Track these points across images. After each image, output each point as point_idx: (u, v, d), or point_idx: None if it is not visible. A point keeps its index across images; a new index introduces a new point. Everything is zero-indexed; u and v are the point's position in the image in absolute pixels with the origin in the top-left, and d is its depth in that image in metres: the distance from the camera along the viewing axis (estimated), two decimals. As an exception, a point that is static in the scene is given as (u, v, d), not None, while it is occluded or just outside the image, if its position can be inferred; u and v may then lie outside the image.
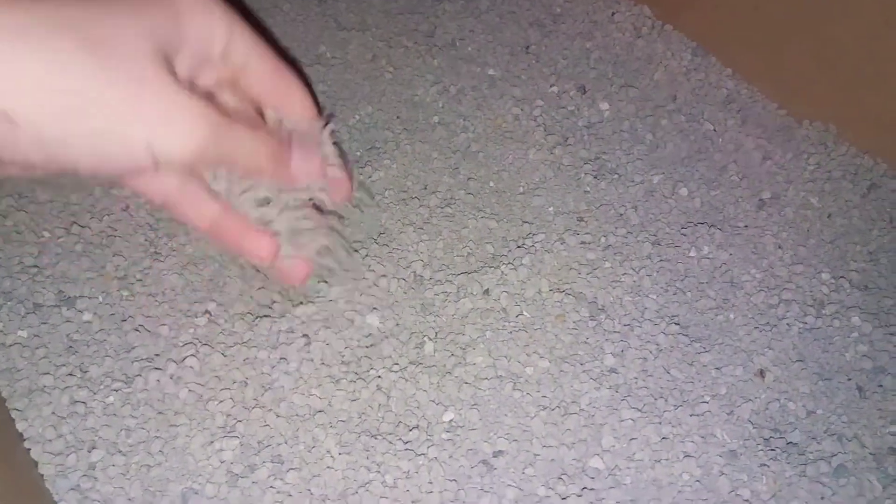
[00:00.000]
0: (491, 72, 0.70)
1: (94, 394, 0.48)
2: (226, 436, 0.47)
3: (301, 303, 0.52)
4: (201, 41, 0.30)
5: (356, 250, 0.55)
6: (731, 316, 0.54)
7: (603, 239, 0.58)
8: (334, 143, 0.39)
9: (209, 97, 0.31)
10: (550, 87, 0.69)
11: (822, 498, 0.46)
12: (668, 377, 0.51)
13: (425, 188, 0.60)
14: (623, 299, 0.54)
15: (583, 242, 0.57)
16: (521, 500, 0.45)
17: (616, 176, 0.62)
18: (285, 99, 0.35)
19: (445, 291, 0.54)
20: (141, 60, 0.26)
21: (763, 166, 0.64)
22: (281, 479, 0.45)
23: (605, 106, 0.67)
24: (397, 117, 0.66)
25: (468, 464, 0.46)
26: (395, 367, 0.50)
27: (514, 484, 0.45)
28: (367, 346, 0.51)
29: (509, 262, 0.55)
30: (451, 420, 0.48)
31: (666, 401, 0.49)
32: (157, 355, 0.50)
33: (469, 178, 0.61)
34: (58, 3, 0.24)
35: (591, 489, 0.45)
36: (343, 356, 0.50)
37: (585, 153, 0.64)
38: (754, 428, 0.49)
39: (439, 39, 0.73)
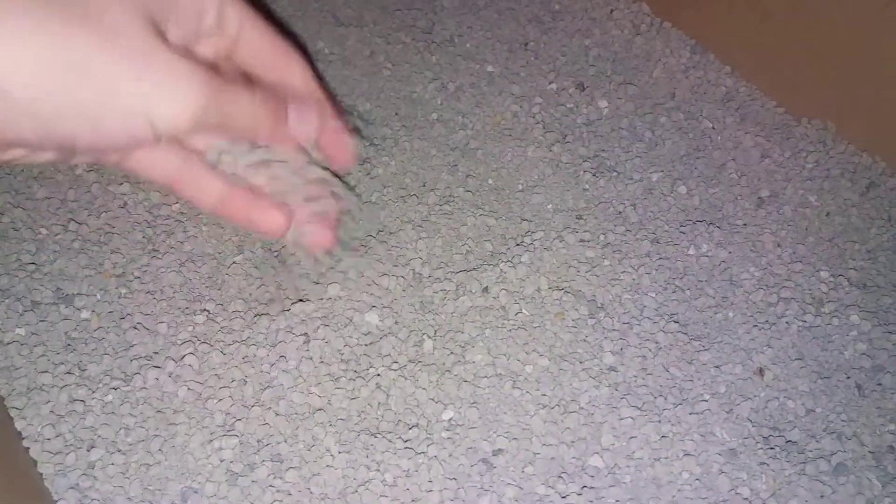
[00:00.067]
0: (490, 68, 0.70)
1: (93, 392, 0.48)
2: (225, 434, 0.47)
3: (300, 300, 0.52)
4: (192, 10, 0.29)
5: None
6: (731, 314, 0.54)
7: (602, 237, 0.58)
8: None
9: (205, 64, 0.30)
10: (549, 84, 0.69)
11: (822, 496, 0.46)
12: (667, 375, 0.51)
13: (424, 185, 0.60)
14: (622, 297, 0.54)
15: (582, 240, 0.57)
16: (520, 499, 0.45)
17: (615, 174, 0.62)
18: (283, 69, 0.34)
19: (444, 289, 0.53)
20: (131, 28, 0.25)
21: (762, 164, 0.64)
22: (280, 478, 0.45)
23: (603, 103, 0.67)
24: (396, 114, 0.65)
25: (468, 462, 0.46)
26: (395, 366, 0.50)
27: (513, 482, 0.45)
28: (366, 345, 0.51)
29: (508, 260, 0.55)
30: (450, 418, 0.48)
31: (665, 399, 0.49)
32: (155, 353, 0.50)
33: (468, 176, 0.61)
34: None
35: (591, 488, 0.45)
36: (342, 354, 0.50)
37: (584, 151, 0.63)
38: (754, 426, 0.49)
39: (438, 36, 0.73)
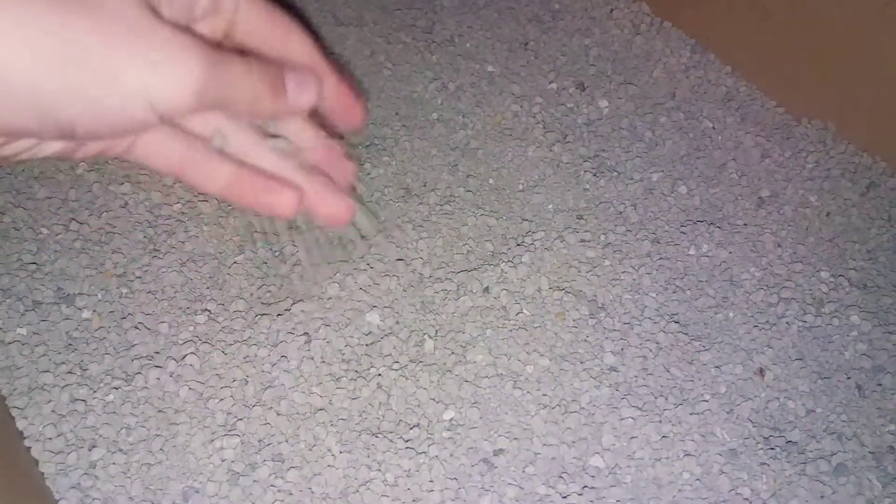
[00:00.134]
0: (490, 68, 0.70)
1: (94, 392, 0.48)
2: (226, 434, 0.47)
3: (301, 300, 0.52)
4: None
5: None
6: (731, 314, 0.54)
7: (602, 237, 0.58)
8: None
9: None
10: (549, 83, 0.69)
11: (822, 496, 0.46)
12: (667, 376, 0.51)
13: (424, 185, 0.60)
14: (623, 297, 0.54)
15: (582, 240, 0.57)
16: (521, 499, 0.45)
17: (615, 174, 0.62)
18: (284, 43, 0.34)
19: (445, 289, 0.54)
20: (128, 10, 0.25)
21: (762, 164, 0.64)
22: (282, 478, 0.45)
23: (604, 103, 0.67)
24: (396, 114, 0.65)
25: (469, 462, 0.46)
26: (396, 366, 0.50)
27: (514, 482, 0.45)
28: (367, 344, 0.51)
29: (509, 260, 0.55)
30: (451, 418, 0.48)
31: (666, 399, 0.49)
32: (156, 353, 0.50)
33: (468, 176, 0.61)
34: None
35: (592, 488, 0.45)
36: (343, 354, 0.50)
37: (585, 151, 0.64)
38: (754, 426, 0.49)
39: (438, 35, 0.73)
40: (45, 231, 0.55)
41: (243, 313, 0.52)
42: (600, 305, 0.54)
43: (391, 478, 0.45)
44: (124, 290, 0.53)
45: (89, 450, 0.46)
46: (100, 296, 0.52)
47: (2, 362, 0.49)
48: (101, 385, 0.48)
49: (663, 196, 0.61)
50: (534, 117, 0.66)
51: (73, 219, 0.56)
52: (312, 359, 0.50)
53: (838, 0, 0.60)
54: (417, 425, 0.47)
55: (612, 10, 0.75)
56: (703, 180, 0.62)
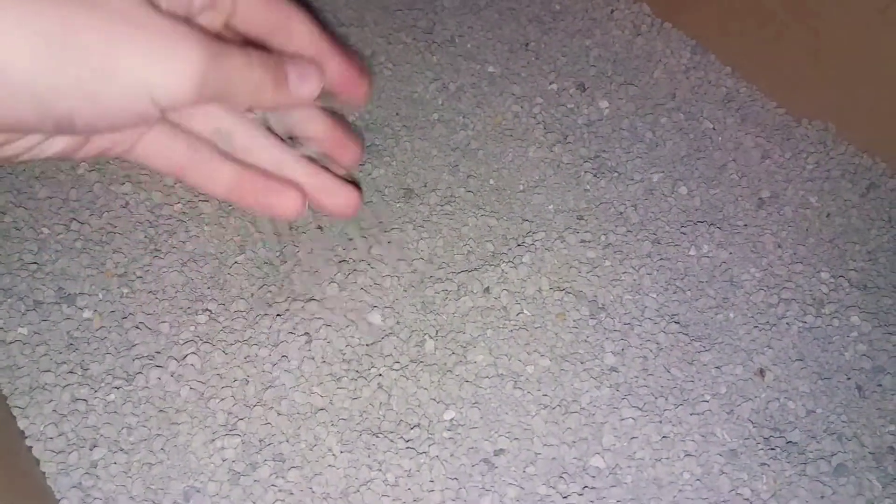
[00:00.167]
0: (490, 69, 0.70)
1: (95, 391, 0.48)
2: (227, 434, 0.47)
3: (301, 300, 0.52)
4: None
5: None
6: (731, 315, 0.54)
7: (603, 237, 0.58)
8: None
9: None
10: (550, 84, 0.69)
11: (822, 497, 0.46)
12: (668, 376, 0.51)
13: (425, 186, 0.60)
14: (623, 298, 0.54)
15: (583, 241, 0.57)
16: (522, 499, 0.45)
17: (616, 174, 0.62)
18: (285, 32, 0.33)
19: (446, 289, 0.54)
20: (126, 2, 0.25)
21: (762, 165, 0.64)
22: (282, 478, 0.45)
23: (604, 104, 0.67)
24: (396, 114, 0.65)
25: (469, 462, 0.46)
26: (396, 366, 0.50)
27: (515, 482, 0.46)
28: (368, 345, 0.51)
29: (509, 261, 0.55)
30: (452, 418, 0.48)
31: (666, 399, 0.50)
32: (157, 353, 0.50)
33: (469, 176, 0.61)
34: None
35: (592, 488, 0.45)
36: (344, 354, 0.50)
37: (585, 151, 0.64)
38: (754, 427, 0.49)
39: (438, 36, 0.73)
40: (46, 231, 0.55)
41: (244, 313, 0.52)
42: (601, 306, 0.54)
43: (392, 478, 0.45)
44: (125, 290, 0.53)
45: (90, 449, 0.46)
46: (101, 295, 0.53)
47: (3, 362, 0.49)
48: (103, 385, 0.48)
49: (664, 197, 0.61)
50: (534, 118, 0.66)
51: (74, 218, 0.56)
52: (313, 359, 0.50)
53: (839, 1, 0.60)
54: (418, 425, 0.47)
55: (612, 11, 0.75)
56: (704, 181, 0.62)
